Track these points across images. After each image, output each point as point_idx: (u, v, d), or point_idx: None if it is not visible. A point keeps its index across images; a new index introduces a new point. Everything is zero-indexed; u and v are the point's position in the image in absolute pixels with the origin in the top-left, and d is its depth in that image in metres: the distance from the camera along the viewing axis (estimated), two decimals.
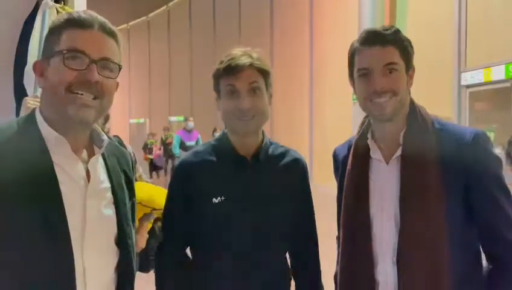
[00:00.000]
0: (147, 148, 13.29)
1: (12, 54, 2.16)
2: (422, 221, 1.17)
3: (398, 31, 1.23)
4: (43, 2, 2.16)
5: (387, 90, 1.19)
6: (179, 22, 21.08)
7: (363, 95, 1.23)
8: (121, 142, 2.32)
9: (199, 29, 18.71)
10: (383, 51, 1.20)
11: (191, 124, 9.38)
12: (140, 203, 2.34)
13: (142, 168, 2.51)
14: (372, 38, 1.21)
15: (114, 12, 20.77)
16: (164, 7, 22.49)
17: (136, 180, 2.42)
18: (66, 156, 0.98)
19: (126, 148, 2.37)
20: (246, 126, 1.28)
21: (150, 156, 12.83)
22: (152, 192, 2.33)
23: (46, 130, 0.98)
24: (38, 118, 1.00)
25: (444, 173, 1.17)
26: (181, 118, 20.30)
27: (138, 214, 2.40)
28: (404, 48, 1.22)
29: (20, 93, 2.10)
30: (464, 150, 1.17)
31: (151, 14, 23.75)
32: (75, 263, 0.94)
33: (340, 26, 10.62)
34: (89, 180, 1.01)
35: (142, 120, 24.82)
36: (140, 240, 2.42)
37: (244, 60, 1.27)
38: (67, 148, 0.98)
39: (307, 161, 1.44)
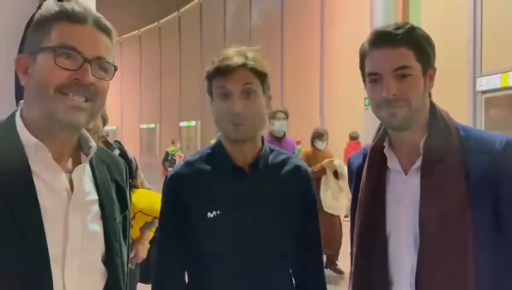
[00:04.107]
0: (167, 160, 9.94)
1: (14, 55, 2.10)
2: (445, 240, 1.05)
3: (412, 29, 1.09)
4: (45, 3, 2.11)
5: (399, 98, 1.07)
6: (189, 28, 21.17)
7: (375, 103, 1.11)
8: (121, 148, 2.25)
9: (210, 34, 18.75)
10: (393, 53, 1.07)
11: (280, 125, 4.46)
12: (141, 211, 2.27)
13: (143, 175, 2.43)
14: (381, 39, 1.08)
15: (125, 18, 20.95)
16: (175, 13, 22.62)
17: (138, 187, 2.36)
18: (46, 164, 0.89)
19: (127, 154, 2.32)
20: (237, 132, 1.17)
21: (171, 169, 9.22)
22: (153, 200, 2.26)
23: (25, 136, 0.89)
24: (18, 121, 0.91)
25: (470, 185, 1.05)
26: (191, 123, 20.30)
27: (139, 223, 2.33)
28: (421, 48, 1.09)
29: (21, 95, 2.04)
30: (494, 160, 1.05)
31: (162, 20, 23.92)
32: (53, 285, 0.84)
33: (351, 28, 10.51)
34: (72, 192, 0.91)
35: (152, 125, 24.90)
36: (141, 250, 2.36)
37: (236, 60, 1.16)
38: (47, 156, 0.89)
39: None
